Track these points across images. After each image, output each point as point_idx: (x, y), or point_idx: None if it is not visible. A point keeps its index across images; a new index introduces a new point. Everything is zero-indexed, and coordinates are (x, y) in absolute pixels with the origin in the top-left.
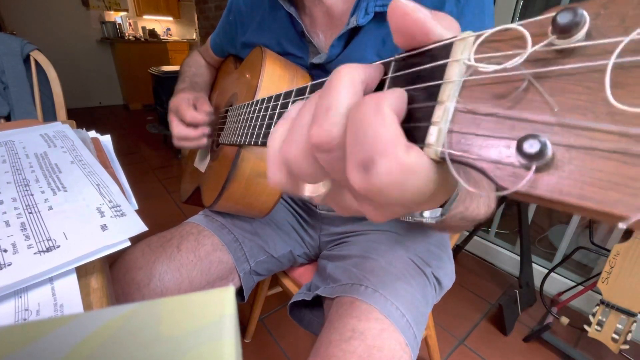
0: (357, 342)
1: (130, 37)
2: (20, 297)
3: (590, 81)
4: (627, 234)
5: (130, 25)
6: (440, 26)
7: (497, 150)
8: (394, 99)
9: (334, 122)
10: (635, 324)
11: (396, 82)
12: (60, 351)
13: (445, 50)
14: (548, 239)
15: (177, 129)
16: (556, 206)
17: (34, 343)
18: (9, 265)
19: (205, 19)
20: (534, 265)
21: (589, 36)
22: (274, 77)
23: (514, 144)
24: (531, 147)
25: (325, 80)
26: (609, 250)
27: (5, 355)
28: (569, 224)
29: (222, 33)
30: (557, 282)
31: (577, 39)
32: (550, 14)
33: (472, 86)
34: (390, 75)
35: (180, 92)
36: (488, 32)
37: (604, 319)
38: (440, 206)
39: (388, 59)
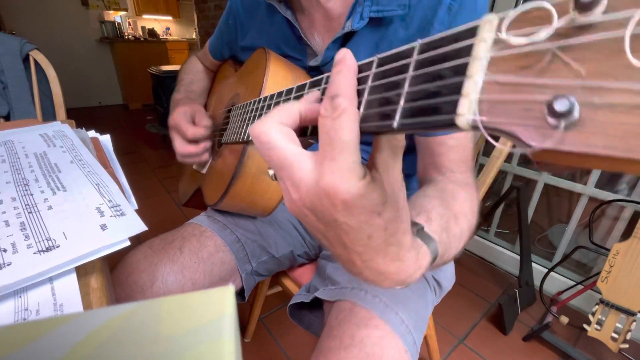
0: (356, 349)
1: (130, 36)
2: (20, 296)
3: (609, 50)
4: (627, 234)
5: (129, 24)
6: None
7: (525, 114)
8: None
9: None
10: (634, 323)
11: (423, 64)
12: (60, 350)
13: (471, 32)
14: (548, 239)
15: (180, 147)
16: (583, 161)
17: (34, 343)
18: (8, 265)
19: (205, 19)
20: (533, 264)
21: (605, 12)
22: (278, 77)
23: (542, 106)
24: (562, 106)
25: (322, 78)
26: (608, 250)
27: (5, 355)
28: (568, 224)
29: (220, 37)
30: (557, 282)
31: (596, 14)
32: None
33: (498, 61)
34: (415, 57)
35: (177, 107)
36: (514, 12)
37: (604, 318)
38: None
39: (411, 45)
